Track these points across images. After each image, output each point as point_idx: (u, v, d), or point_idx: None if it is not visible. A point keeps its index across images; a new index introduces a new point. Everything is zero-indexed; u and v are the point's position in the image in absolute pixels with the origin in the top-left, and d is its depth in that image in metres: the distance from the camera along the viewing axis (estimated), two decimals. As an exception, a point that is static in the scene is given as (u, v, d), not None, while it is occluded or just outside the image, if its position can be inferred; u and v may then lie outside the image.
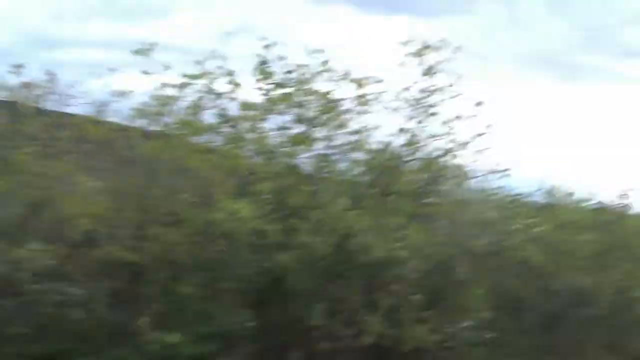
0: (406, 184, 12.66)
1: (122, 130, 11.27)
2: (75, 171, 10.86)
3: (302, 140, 11.55)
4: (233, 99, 11.41)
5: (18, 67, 12.62)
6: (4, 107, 12.23)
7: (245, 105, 11.63)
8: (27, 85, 12.88)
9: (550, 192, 19.02)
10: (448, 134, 12.49)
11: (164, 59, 11.06)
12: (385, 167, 12.30)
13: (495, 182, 14.43)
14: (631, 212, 17.86)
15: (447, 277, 13.09)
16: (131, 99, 11.41)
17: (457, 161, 13.04)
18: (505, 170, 14.19)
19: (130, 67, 11.18)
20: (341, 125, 12.35)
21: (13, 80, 12.85)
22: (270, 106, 11.62)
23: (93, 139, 11.20)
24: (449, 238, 13.03)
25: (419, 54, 11.79)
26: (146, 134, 11.26)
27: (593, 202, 17.36)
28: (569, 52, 41.96)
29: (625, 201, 17.39)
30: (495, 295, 15.89)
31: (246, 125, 11.35)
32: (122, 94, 11.43)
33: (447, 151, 12.59)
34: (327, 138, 12.37)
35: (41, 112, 12.32)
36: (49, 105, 12.87)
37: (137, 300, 11.24)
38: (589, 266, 16.41)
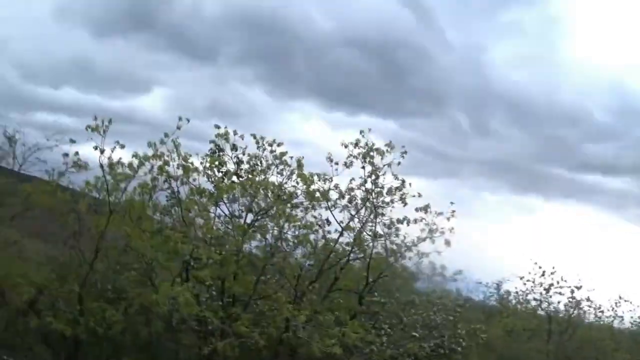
0: (350, 281, 12.91)
1: (73, 201, 11.44)
2: (21, 238, 11.05)
3: (248, 229, 11.76)
4: (185, 182, 11.66)
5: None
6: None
7: (196, 190, 11.90)
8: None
9: (502, 298, 19.34)
10: (396, 234, 12.73)
11: (129, 132, 11.37)
12: (330, 263, 12.51)
13: (444, 285, 14.72)
14: (584, 321, 18.11)
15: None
16: (87, 171, 11.61)
17: (405, 262, 13.25)
18: (457, 273, 14.52)
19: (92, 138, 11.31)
20: (290, 219, 12.66)
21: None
22: (220, 194, 11.88)
23: (43, 207, 11.44)
24: (393, 338, 13.12)
25: (366, 155, 12.19)
26: (96, 208, 11.45)
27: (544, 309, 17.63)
28: (528, 160, 43.41)
29: (577, 310, 17.68)
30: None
31: (195, 210, 11.56)
32: (78, 165, 11.62)
33: (395, 251, 12.80)
34: (275, 229, 12.63)
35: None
36: (4, 167, 13.34)
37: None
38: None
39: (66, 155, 11.47)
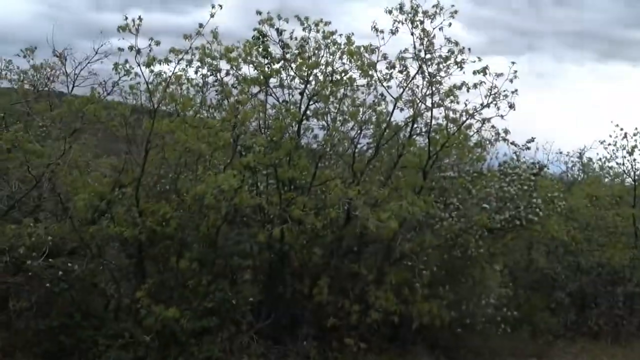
0: (413, 156, 12.31)
1: (122, 108, 11.27)
2: (77, 149, 10.98)
3: (303, 113, 11.29)
4: (227, 73, 11.25)
5: (29, 51, 13.03)
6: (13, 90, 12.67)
7: (241, 79, 11.49)
8: (36, 69, 13.28)
9: (584, 166, 18.32)
10: (456, 101, 11.95)
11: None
12: (386, 138, 11.92)
13: (518, 155, 13.86)
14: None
15: (461, 253, 12.69)
16: (135, 78, 11.32)
17: (473, 132, 12.48)
18: (530, 141, 13.59)
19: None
20: (344, 98, 12.12)
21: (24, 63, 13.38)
22: (266, 77, 11.39)
23: (94, 119, 11.31)
24: (462, 212, 12.57)
25: (413, 19, 11.32)
26: (146, 112, 11.24)
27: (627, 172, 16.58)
28: (612, 26, 40.14)
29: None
30: (519, 272, 15.40)
31: (239, 96, 11.15)
32: (127, 73, 11.34)
33: (456, 120, 12.05)
34: (330, 111, 12.13)
35: (47, 94, 12.67)
36: (57, 86, 13.29)
37: (137, 276, 11.38)
38: (623, 242, 15.69)
39: (117, 65, 11.02)
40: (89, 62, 13.12)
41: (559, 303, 15.29)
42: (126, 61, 10.91)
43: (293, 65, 11.78)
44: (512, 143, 13.29)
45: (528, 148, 13.60)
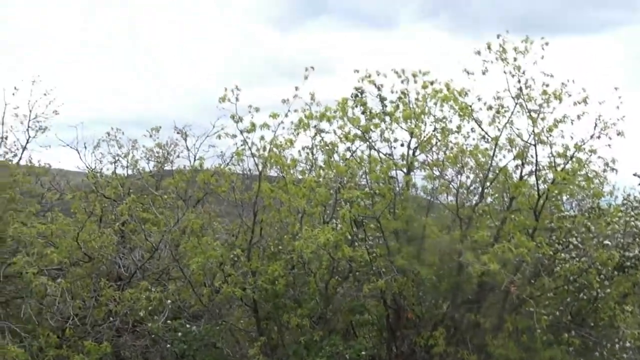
0: (522, 197, 11.92)
1: (229, 174, 11.91)
2: (192, 216, 11.65)
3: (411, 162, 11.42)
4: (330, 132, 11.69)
5: (154, 130, 14.15)
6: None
7: (345, 137, 11.82)
8: (160, 146, 14.35)
9: None
10: (561, 136, 11.54)
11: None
12: (490, 179, 11.69)
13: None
14: None
15: (586, 295, 12.00)
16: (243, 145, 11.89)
17: (582, 166, 11.94)
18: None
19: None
20: (448, 145, 12.11)
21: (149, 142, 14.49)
22: (365, 130, 11.66)
23: (204, 186, 12.01)
24: (583, 251, 11.95)
25: (502, 55, 11.11)
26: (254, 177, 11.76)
27: None
28: None
29: None
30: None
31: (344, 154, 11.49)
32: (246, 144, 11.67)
33: (562, 154, 11.61)
34: (434, 160, 12.12)
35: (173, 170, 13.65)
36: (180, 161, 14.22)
37: (254, 334, 11.73)
38: None
39: (234, 136, 11.56)
40: (207, 136, 13.64)
41: None
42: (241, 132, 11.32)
43: (393, 118, 11.94)
44: (635, 174, 12.61)
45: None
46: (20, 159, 13.11)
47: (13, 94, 12.81)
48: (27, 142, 13.04)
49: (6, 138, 13.07)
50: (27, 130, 12.91)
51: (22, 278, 10.36)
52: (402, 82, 12.06)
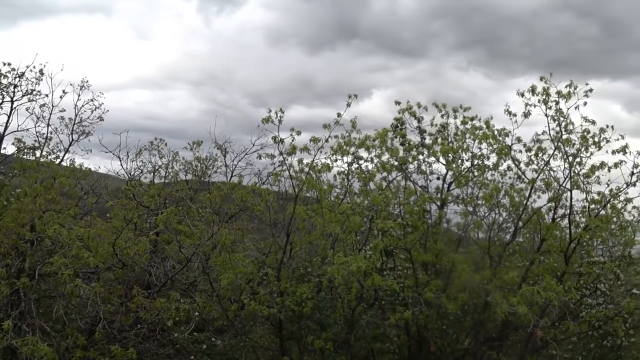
0: (554, 239, 11.95)
1: (267, 194, 12.04)
2: (225, 231, 11.79)
3: (433, 197, 11.47)
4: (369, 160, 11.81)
5: (195, 144, 14.38)
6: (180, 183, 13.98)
7: (382, 166, 11.97)
8: (199, 160, 14.57)
9: None
10: (597, 182, 11.59)
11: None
12: (524, 220, 11.73)
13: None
14: None
15: (610, 342, 11.97)
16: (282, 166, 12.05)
17: (617, 213, 11.97)
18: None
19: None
20: (484, 183, 12.20)
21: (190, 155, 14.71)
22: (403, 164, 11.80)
23: (241, 203, 12.16)
24: (610, 298, 11.96)
25: (545, 100, 11.21)
26: (291, 198, 11.89)
27: None
28: None
29: None
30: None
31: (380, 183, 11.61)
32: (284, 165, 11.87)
33: (598, 201, 11.64)
34: (469, 196, 12.22)
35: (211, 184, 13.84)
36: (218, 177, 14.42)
37: (272, 351, 11.82)
38: None
39: (273, 156, 11.78)
40: (245, 154, 13.93)
41: None
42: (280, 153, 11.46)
43: (431, 151, 12.09)
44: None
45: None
46: (62, 160, 13.45)
47: (61, 97, 13.25)
48: (70, 145, 13.42)
49: (50, 139, 13.46)
50: (71, 133, 13.28)
51: (56, 278, 10.57)
52: (442, 116, 12.25)
